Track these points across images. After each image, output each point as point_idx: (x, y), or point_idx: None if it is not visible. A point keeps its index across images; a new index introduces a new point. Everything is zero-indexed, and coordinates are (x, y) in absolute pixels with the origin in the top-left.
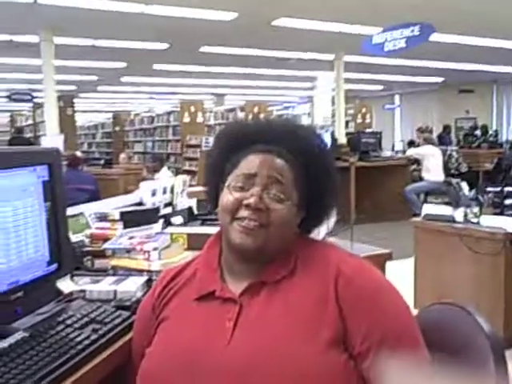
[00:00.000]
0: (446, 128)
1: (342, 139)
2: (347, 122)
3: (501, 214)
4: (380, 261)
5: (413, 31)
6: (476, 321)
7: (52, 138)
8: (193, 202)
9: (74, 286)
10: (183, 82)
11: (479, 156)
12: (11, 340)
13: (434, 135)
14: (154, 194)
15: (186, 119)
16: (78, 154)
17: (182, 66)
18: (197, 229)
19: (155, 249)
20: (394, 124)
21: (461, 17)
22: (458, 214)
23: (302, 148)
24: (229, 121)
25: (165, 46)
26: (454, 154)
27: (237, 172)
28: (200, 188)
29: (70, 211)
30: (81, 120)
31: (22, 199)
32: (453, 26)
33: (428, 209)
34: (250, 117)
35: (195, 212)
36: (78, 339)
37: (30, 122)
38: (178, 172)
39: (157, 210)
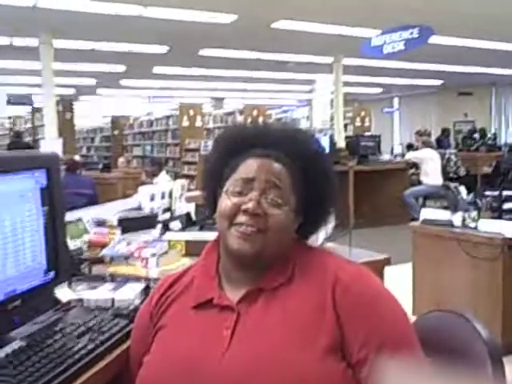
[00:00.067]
0: (445, 131)
1: (341, 143)
2: (346, 126)
3: (499, 218)
4: (378, 266)
5: (412, 33)
6: (474, 327)
7: (51, 142)
8: (191, 207)
9: (72, 293)
10: (182, 85)
11: (477, 159)
12: (8, 349)
13: (433, 138)
14: (152, 198)
15: (185, 123)
16: (77, 158)
17: (181, 68)
18: (195, 235)
19: (153, 255)
20: (393, 127)
21: (460, 19)
22: (456, 219)
23: (300, 152)
24: (228, 124)
25: (164, 49)
26: (453, 157)
27: (235, 177)
28: (198, 192)
29: (68, 217)
30: (80, 124)
31: (19, 205)
32: (452, 28)
33: (426, 213)
34: (249, 120)
35: (193, 217)
36: (76, 348)
37: (29, 125)
38: (176, 176)
39: (155, 215)
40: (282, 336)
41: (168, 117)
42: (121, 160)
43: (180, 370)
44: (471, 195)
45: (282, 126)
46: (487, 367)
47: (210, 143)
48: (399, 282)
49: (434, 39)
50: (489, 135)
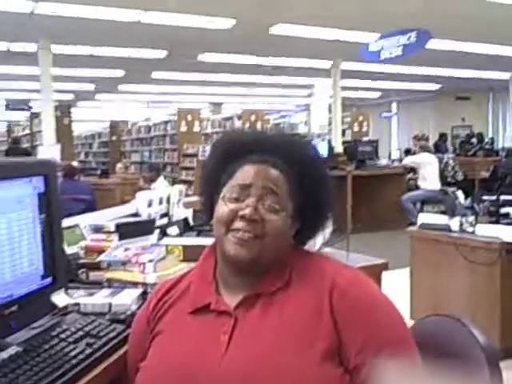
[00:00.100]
0: (443, 136)
1: (339, 148)
2: (344, 131)
3: (496, 222)
4: (376, 271)
5: (409, 38)
6: (471, 332)
7: (49, 148)
8: (189, 213)
9: (69, 299)
10: (180, 90)
11: (475, 164)
12: (4, 355)
13: (431, 143)
14: (150, 204)
15: (183, 128)
16: (75, 163)
17: (180, 73)
18: (192, 240)
19: (150, 261)
20: (391, 132)
21: (457, 23)
22: (454, 223)
23: (297, 158)
24: (226, 129)
25: (163, 54)
26: (451, 161)
27: (232, 183)
28: (196, 198)
29: (65, 223)
30: (78, 129)
31: (16, 211)
32: (450, 32)
33: (424, 218)
34: (247, 125)
35: (191, 223)
36: (73, 353)
37: (27, 131)
38: (174, 182)
39: (152, 221)
40: (279, 341)
41: (166, 122)
42: (119, 166)
43: (177, 375)
44: (469, 200)
45: (279, 132)
46: (484, 372)
47: (208, 148)
48: (397, 286)
49: (431, 44)
50: (486, 140)
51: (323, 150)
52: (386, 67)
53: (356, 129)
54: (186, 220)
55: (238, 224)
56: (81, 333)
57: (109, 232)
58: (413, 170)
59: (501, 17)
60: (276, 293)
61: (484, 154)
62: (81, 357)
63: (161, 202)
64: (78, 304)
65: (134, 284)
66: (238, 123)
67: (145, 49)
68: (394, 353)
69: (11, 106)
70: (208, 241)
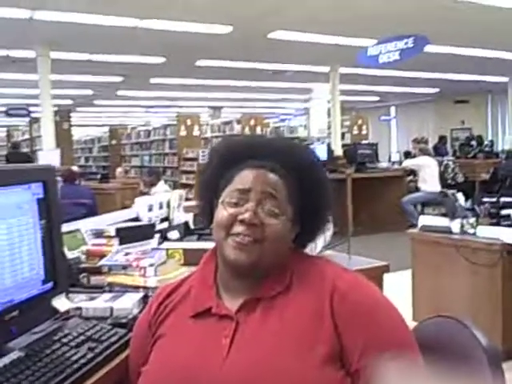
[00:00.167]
0: (442, 138)
1: (339, 151)
2: (343, 134)
3: (497, 224)
4: (377, 273)
5: (407, 43)
6: (473, 334)
7: (48, 153)
8: (189, 217)
9: (70, 303)
10: (179, 95)
11: (475, 166)
12: (6, 360)
13: (430, 146)
14: (150, 209)
15: (183, 132)
16: (75, 168)
17: (178, 79)
18: (193, 244)
19: (151, 265)
20: (391, 135)
21: (455, 28)
22: (455, 225)
23: (296, 162)
24: (225, 134)
25: (161, 60)
26: (450, 164)
27: (231, 187)
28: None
29: (66, 227)
30: (77, 134)
31: (16, 217)
32: (447, 37)
33: (424, 220)
34: (247, 129)
35: (191, 226)
36: (74, 358)
37: (27, 136)
38: (175, 185)
39: (153, 225)
40: (280, 344)
41: (166, 126)
42: (119, 170)
43: (179, 379)
44: (469, 202)
45: (277, 137)
46: (486, 373)
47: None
48: (398, 288)
49: (429, 48)
50: (486, 142)
51: (323, 154)
52: (384, 71)
53: (355, 132)
54: (186, 224)
55: (238, 228)
56: (82, 337)
57: (109, 236)
58: (413, 172)
59: (498, 21)
60: (276, 297)
61: (484, 157)
62: (82, 361)
63: (161, 207)
64: (79, 308)
65: (135, 288)
66: (237, 127)
67: (143, 55)
68: (396, 355)
69: (11, 111)
70: (208, 245)
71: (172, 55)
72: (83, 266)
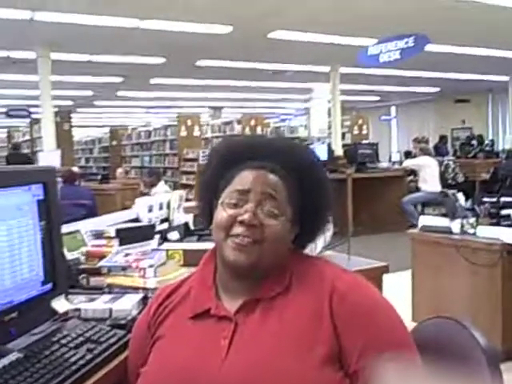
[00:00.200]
0: (443, 138)
1: (339, 151)
2: (344, 134)
3: (497, 224)
4: (377, 274)
5: (407, 43)
6: (472, 335)
7: (49, 154)
8: (189, 218)
9: (69, 304)
10: (180, 95)
11: (476, 166)
12: (5, 361)
13: (431, 145)
14: (150, 210)
15: (183, 133)
16: (75, 169)
17: (178, 79)
18: (193, 245)
19: (151, 266)
20: (391, 135)
21: (455, 27)
22: (455, 225)
23: (295, 163)
24: (226, 134)
25: (161, 60)
26: (451, 164)
27: (230, 188)
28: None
29: (66, 228)
30: (78, 135)
31: (16, 218)
32: (448, 36)
33: (425, 220)
34: (247, 129)
35: (191, 227)
36: (73, 359)
37: (27, 137)
38: (175, 186)
39: (153, 226)
40: (279, 345)
41: (166, 127)
42: (119, 171)
43: (178, 380)
44: (469, 202)
45: (277, 138)
46: (485, 374)
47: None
48: (398, 289)
49: (430, 47)
50: (486, 142)
51: (323, 154)
52: (384, 71)
53: (356, 132)
54: (186, 225)
55: (237, 229)
56: (81, 338)
57: (109, 237)
58: (413, 172)
59: (499, 20)
60: (276, 298)
61: (484, 156)
62: (81, 362)
63: (161, 208)
64: (78, 309)
65: (135, 289)
66: (237, 127)
67: (143, 55)
68: (395, 356)
69: (11, 112)
70: (208, 245)
71: (172, 55)
72: (83, 267)
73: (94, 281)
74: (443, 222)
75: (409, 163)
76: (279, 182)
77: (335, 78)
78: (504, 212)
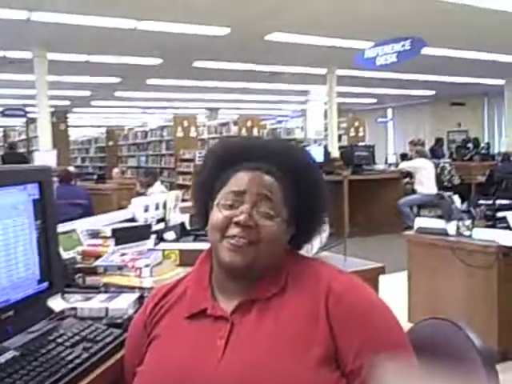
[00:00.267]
0: (439, 141)
1: (335, 153)
2: (340, 136)
3: (493, 226)
4: (373, 275)
5: (404, 46)
6: (467, 336)
7: (45, 154)
8: (185, 218)
9: (65, 303)
10: (176, 96)
11: (471, 168)
12: (1, 359)
13: (427, 148)
14: (146, 209)
15: (180, 133)
16: (71, 169)
17: (175, 80)
18: (189, 245)
19: (147, 266)
20: (387, 137)
21: (452, 31)
22: (451, 227)
23: (291, 165)
24: (222, 135)
25: (158, 61)
26: (447, 166)
27: (226, 189)
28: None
29: (62, 228)
30: (74, 135)
31: (12, 217)
32: (444, 39)
33: (421, 222)
34: (244, 131)
35: (188, 227)
36: (69, 358)
37: (23, 137)
38: (171, 186)
39: (149, 226)
40: (275, 346)
41: (162, 127)
42: (115, 171)
43: (174, 380)
44: (465, 204)
45: (273, 139)
46: (481, 375)
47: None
48: (394, 290)
49: (426, 50)
50: (482, 145)
51: (319, 155)
52: (381, 74)
53: (352, 134)
54: (182, 225)
55: (233, 230)
56: (77, 337)
57: (105, 237)
58: (409, 174)
59: (494, 24)
60: (272, 298)
61: (480, 159)
62: (77, 361)
63: (157, 208)
64: (74, 308)
65: (131, 288)
66: (234, 129)
67: (140, 56)
68: (391, 357)
69: (7, 112)
70: (204, 245)
71: (169, 56)
72: (79, 266)
73: (90, 280)
74: (439, 223)
75: (405, 165)
76: (275, 183)
77: (332, 81)
78: (500, 214)
